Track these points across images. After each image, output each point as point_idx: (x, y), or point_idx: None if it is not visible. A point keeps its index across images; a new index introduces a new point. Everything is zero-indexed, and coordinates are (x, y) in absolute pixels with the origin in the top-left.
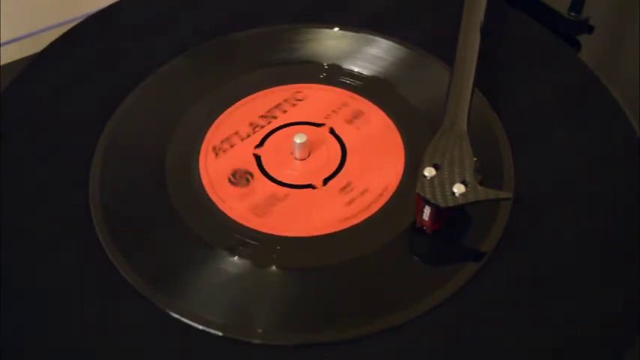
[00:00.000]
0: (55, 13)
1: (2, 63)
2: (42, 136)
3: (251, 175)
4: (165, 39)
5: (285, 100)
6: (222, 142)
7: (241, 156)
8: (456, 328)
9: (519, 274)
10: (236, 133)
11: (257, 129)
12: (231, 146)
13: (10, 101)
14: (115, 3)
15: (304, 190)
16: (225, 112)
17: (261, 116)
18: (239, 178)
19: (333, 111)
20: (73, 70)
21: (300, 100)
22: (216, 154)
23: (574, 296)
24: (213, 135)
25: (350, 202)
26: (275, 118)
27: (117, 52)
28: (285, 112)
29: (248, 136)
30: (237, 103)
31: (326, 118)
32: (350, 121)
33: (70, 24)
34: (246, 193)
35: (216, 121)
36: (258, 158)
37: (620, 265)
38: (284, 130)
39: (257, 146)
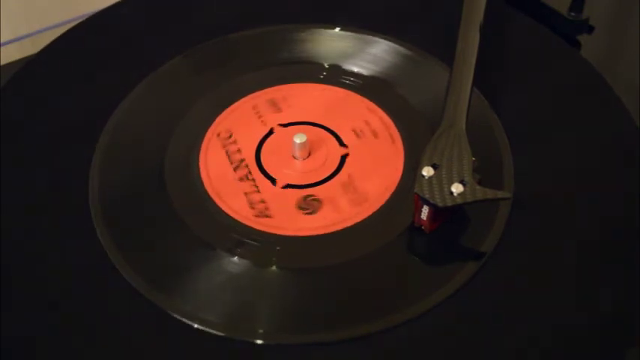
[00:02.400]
0: (55, 13)
1: (2, 63)
2: (42, 136)
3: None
4: (166, 39)
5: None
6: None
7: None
8: (456, 328)
9: (519, 274)
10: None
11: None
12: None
13: (9, 101)
14: (115, 3)
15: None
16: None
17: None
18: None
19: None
20: (73, 70)
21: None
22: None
23: (574, 296)
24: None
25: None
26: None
27: (117, 52)
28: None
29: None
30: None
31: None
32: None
33: (70, 24)
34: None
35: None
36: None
37: (620, 264)
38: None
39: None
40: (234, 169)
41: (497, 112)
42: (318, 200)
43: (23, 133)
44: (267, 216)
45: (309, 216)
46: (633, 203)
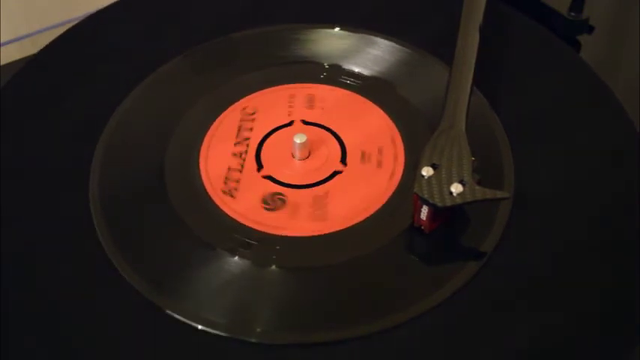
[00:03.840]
0: (55, 13)
1: (2, 63)
2: (42, 136)
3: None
4: (166, 39)
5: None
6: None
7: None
8: (456, 328)
9: (519, 274)
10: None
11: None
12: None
13: (9, 101)
14: (115, 3)
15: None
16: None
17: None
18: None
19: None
20: (73, 70)
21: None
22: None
23: (574, 296)
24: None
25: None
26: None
27: (117, 52)
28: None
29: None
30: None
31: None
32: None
33: (69, 24)
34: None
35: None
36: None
37: (620, 264)
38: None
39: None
40: (235, 144)
41: (497, 112)
42: (283, 200)
43: (23, 133)
44: (231, 195)
45: (268, 212)
46: (633, 203)
